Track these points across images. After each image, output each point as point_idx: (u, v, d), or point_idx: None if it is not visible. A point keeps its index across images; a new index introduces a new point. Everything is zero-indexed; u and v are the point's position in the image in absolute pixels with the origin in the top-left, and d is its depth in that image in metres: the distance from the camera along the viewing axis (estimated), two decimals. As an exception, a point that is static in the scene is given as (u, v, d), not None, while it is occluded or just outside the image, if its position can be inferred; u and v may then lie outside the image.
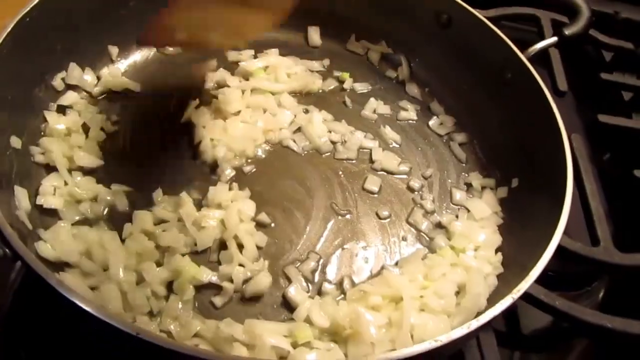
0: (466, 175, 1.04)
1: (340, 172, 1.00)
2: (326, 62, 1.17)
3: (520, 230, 0.91)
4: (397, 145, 1.07)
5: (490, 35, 1.04)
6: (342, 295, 0.84)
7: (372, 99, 1.12)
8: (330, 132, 1.05)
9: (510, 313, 1.02)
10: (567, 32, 1.07)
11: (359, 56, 1.21)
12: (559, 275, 1.03)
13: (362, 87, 1.15)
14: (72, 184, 0.87)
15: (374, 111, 1.11)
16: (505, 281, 0.82)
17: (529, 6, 1.31)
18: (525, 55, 1.01)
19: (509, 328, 1.01)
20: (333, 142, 1.04)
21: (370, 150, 1.04)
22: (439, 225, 0.96)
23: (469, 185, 1.03)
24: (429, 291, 0.79)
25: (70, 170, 0.89)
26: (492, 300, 0.76)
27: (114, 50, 1.06)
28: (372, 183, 0.99)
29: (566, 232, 1.06)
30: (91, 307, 0.58)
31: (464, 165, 1.06)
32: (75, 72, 0.99)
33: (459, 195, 1.00)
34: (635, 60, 1.41)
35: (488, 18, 1.19)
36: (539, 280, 0.89)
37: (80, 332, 0.70)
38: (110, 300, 0.74)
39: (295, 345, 0.74)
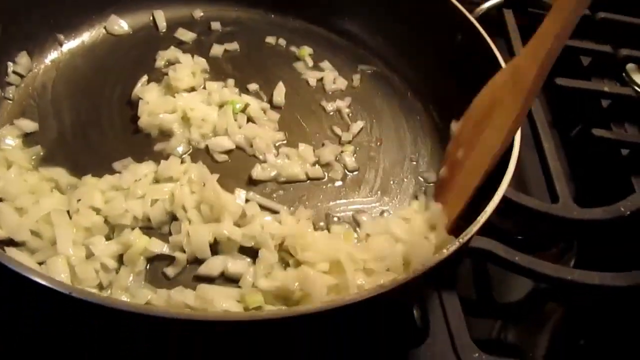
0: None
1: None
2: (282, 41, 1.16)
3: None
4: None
5: (439, -1, 1.03)
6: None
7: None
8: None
9: (482, 281, 1.02)
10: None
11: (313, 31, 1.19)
12: (525, 239, 1.04)
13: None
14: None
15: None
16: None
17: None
18: (474, 15, 1.01)
19: (480, 297, 1.01)
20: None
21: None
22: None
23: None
24: (367, 254, 0.79)
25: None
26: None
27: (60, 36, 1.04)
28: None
29: (527, 192, 1.08)
30: (26, 271, 0.57)
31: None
32: (23, 60, 0.98)
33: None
34: (592, 27, 1.42)
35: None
36: (502, 241, 0.90)
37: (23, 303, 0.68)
38: (58, 273, 0.72)
39: (246, 309, 0.73)
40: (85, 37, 1.07)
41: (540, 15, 1.38)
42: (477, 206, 0.84)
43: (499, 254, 0.89)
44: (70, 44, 1.05)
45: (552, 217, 0.99)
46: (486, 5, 1.05)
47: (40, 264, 0.74)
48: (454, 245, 0.66)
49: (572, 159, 1.18)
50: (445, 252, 0.65)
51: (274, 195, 0.91)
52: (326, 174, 0.95)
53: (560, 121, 1.26)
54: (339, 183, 0.94)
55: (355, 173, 0.96)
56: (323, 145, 0.98)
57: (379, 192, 0.95)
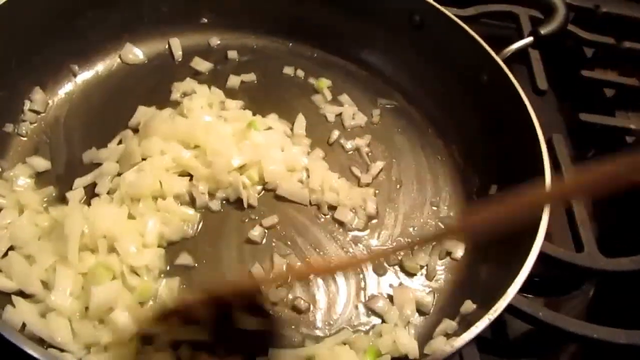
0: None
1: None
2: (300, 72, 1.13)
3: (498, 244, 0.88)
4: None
5: (464, 36, 1.00)
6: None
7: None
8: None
9: (495, 319, 1.00)
10: (542, 31, 1.04)
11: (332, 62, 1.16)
12: (543, 280, 1.01)
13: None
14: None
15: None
16: (485, 296, 0.78)
17: (506, 3, 1.28)
18: (501, 56, 0.98)
19: (495, 334, 0.98)
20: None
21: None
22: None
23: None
24: None
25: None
26: (469, 320, 0.73)
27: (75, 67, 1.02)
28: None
29: (549, 239, 1.04)
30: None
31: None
32: (38, 97, 0.96)
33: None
34: (616, 56, 1.39)
35: (466, 17, 1.17)
36: (522, 288, 0.87)
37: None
38: (58, 329, 0.71)
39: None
40: (100, 67, 1.04)
41: (566, 57, 1.38)
42: (504, 260, 0.82)
43: (522, 308, 0.86)
44: (85, 75, 1.03)
45: (576, 267, 0.96)
46: (514, 46, 1.02)
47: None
48: (484, 322, 0.63)
49: (596, 202, 1.14)
50: (475, 330, 0.62)
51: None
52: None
53: (584, 156, 1.23)
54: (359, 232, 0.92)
55: (375, 221, 0.93)
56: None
57: (399, 239, 0.92)
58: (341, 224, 0.92)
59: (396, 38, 1.10)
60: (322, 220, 0.92)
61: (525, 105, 0.91)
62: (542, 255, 0.94)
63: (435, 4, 1.03)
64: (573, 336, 0.87)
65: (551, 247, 0.96)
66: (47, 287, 0.75)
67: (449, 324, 0.79)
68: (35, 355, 0.57)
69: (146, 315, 0.74)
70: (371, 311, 0.83)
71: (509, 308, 0.86)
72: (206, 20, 1.14)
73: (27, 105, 0.95)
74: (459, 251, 0.91)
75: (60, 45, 0.98)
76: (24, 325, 0.71)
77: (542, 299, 0.99)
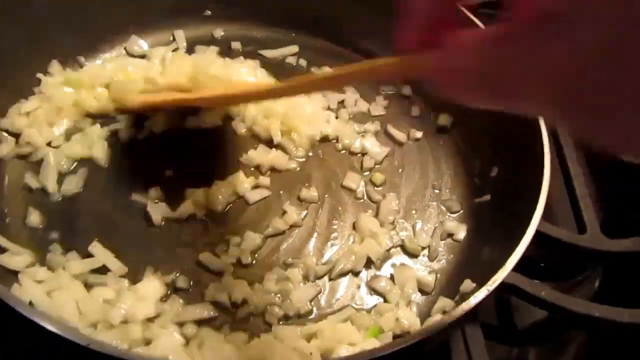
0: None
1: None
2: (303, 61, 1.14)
3: (501, 224, 0.88)
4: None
5: (463, 18, 1.00)
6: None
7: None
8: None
9: (503, 307, 1.00)
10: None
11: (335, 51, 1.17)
12: (549, 266, 1.01)
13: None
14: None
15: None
16: (485, 274, 0.78)
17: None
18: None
19: (502, 322, 0.98)
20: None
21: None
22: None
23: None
24: None
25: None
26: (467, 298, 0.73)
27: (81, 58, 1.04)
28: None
29: (553, 221, 1.05)
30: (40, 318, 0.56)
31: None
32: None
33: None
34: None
35: (471, 5, 1.16)
36: (526, 272, 0.87)
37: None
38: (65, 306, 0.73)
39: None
40: (106, 57, 1.06)
41: None
42: (504, 240, 0.83)
43: (523, 288, 0.87)
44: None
45: (579, 248, 0.96)
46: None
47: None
48: (483, 292, 0.64)
49: (600, 184, 1.14)
50: (474, 301, 0.62)
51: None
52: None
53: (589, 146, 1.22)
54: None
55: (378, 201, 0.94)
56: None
57: (400, 221, 0.93)
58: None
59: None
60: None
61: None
62: (544, 237, 0.94)
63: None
64: (577, 316, 0.87)
65: (553, 228, 0.96)
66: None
67: (446, 302, 0.80)
68: (48, 327, 0.58)
69: None
70: (373, 290, 0.84)
71: (511, 288, 0.87)
72: (210, 13, 1.15)
73: (42, 78, 0.97)
74: (461, 232, 0.92)
75: (67, 36, 1.00)
76: (30, 304, 0.72)
77: (549, 284, 0.99)
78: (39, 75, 0.98)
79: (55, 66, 1.00)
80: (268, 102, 0.99)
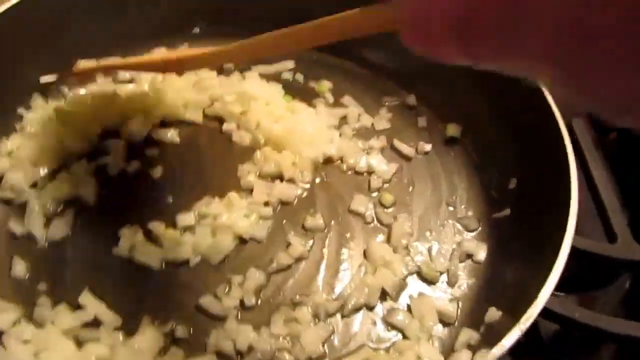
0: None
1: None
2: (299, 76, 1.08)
3: (523, 241, 0.81)
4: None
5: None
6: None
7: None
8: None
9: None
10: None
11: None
12: (574, 276, 0.94)
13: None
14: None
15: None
16: (513, 301, 0.71)
17: None
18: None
19: (527, 335, 0.91)
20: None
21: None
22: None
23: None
24: None
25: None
26: (495, 329, 0.66)
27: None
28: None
29: (578, 231, 0.97)
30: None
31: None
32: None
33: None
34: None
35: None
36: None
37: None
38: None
39: None
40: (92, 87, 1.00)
41: None
42: (531, 259, 0.76)
43: (555, 310, 0.80)
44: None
45: (611, 259, 0.89)
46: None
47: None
48: (515, 333, 0.57)
49: (626, 189, 1.06)
50: (507, 344, 0.56)
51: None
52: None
53: (608, 144, 1.15)
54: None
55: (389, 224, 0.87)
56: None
57: (415, 244, 0.86)
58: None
59: (396, 32, 1.03)
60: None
61: (540, 88, 0.84)
62: (572, 250, 0.87)
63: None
64: (614, 337, 0.80)
65: (581, 239, 0.89)
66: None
67: (471, 335, 0.73)
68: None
69: None
70: (391, 326, 0.77)
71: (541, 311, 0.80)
72: (199, 30, 1.09)
73: (24, 113, 0.93)
74: (482, 253, 0.85)
75: (47, 66, 0.95)
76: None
77: (575, 296, 0.92)
78: (20, 110, 0.93)
79: (37, 99, 0.95)
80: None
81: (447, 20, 0.38)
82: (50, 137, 0.89)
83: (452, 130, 0.99)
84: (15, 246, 0.81)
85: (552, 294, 0.76)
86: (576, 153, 1.00)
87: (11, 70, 0.90)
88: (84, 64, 0.94)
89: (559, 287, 0.84)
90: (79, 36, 0.98)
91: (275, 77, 1.06)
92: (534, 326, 0.87)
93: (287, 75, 1.07)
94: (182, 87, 0.99)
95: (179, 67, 0.89)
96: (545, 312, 0.78)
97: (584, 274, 0.94)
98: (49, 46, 0.95)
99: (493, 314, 0.74)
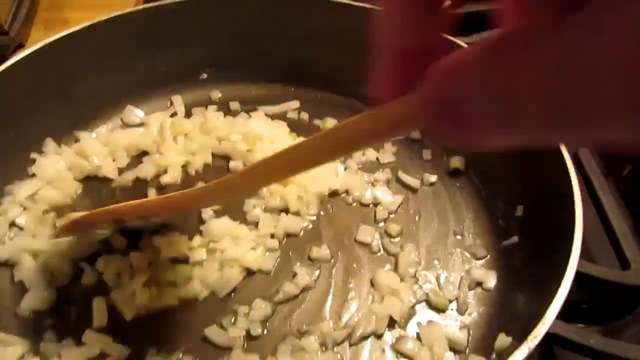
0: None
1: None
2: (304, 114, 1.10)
3: (533, 268, 0.80)
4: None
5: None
6: None
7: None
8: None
9: (546, 358, 0.90)
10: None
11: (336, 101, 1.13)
12: (592, 308, 0.92)
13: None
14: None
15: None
16: (523, 326, 0.70)
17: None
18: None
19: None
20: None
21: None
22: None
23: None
24: None
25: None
26: (505, 355, 0.65)
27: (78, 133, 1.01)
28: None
29: (592, 259, 0.96)
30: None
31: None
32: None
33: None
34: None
35: (470, 44, 1.13)
36: (569, 317, 0.78)
37: None
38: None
39: None
40: (101, 130, 1.03)
41: None
42: (540, 285, 0.74)
43: (569, 337, 0.77)
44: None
45: (625, 286, 0.87)
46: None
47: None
48: (524, 351, 0.55)
49: (633, 211, 1.05)
50: None
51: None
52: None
53: (613, 167, 1.14)
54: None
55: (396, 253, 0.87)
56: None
57: (423, 273, 0.85)
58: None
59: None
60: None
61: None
62: (585, 278, 0.86)
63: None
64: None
65: (594, 267, 0.87)
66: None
67: None
68: None
69: None
70: (400, 354, 0.75)
71: (556, 338, 0.78)
72: (206, 76, 1.13)
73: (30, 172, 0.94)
74: (491, 280, 0.84)
75: (59, 112, 0.97)
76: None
77: (595, 327, 0.89)
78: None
79: (50, 144, 0.97)
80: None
81: (478, 104, 0.31)
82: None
83: (456, 162, 0.99)
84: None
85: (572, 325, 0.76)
86: (585, 182, 1.01)
87: (24, 115, 0.93)
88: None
89: (579, 319, 0.84)
90: (89, 86, 1.01)
91: (280, 117, 1.08)
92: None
93: (292, 115, 1.09)
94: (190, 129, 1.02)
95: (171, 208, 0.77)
96: (562, 340, 0.77)
97: (601, 304, 0.92)
98: (60, 97, 0.98)
99: (503, 340, 0.72)
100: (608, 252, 0.95)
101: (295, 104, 1.10)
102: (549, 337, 0.76)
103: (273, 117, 1.08)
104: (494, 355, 0.72)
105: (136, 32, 1.02)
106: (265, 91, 1.12)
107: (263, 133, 1.01)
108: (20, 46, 1.22)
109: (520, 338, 0.65)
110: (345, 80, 1.10)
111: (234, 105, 1.10)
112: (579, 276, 0.85)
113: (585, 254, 0.96)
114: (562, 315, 0.75)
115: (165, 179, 0.95)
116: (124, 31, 1.01)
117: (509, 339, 0.71)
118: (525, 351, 0.59)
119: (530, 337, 0.61)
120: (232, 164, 0.98)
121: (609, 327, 0.90)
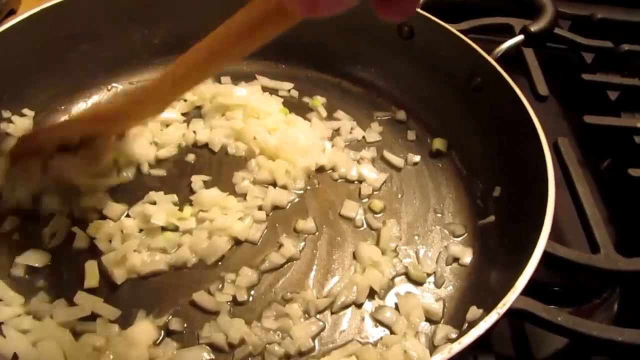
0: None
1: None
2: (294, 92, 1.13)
3: (507, 246, 0.84)
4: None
5: (455, 40, 0.99)
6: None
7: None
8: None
9: (518, 335, 0.95)
10: (532, 29, 1.03)
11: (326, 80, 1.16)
12: (564, 291, 0.97)
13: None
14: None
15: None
16: (493, 300, 0.74)
17: (493, 14, 1.26)
18: (493, 57, 0.96)
19: (518, 352, 0.93)
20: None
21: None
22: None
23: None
24: None
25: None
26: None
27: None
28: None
29: (565, 242, 1.00)
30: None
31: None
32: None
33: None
34: (616, 59, 1.36)
35: (460, 31, 1.15)
36: (541, 297, 0.83)
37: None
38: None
39: None
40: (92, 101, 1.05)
41: (560, 50, 1.38)
42: (513, 262, 0.78)
43: (538, 314, 0.81)
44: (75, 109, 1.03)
45: (593, 269, 0.91)
46: (505, 45, 1.01)
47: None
48: (493, 316, 0.59)
49: (609, 201, 1.10)
50: (484, 325, 0.58)
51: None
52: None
53: (592, 160, 1.19)
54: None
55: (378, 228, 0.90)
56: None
57: (403, 247, 0.88)
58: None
59: (387, 50, 1.09)
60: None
61: (521, 101, 0.89)
62: (556, 260, 0.90)
63: (423, 12, 1.02)
64: (597, 341, 0.82)
65: (565, 249, 0.92)
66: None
67: (449, 330, 0.76)
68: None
69: None
70: (378, 322, 0.79)
71: (525, 315, 0.82)
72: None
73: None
74: (467, 256, 0.88)
75: (52, 80, 0.99)
76: (15, 355, 0.68)
77: (566, 309, 0.94)
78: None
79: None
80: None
81: None
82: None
83: (439, 144, 1.03)
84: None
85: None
86: (562, 170, 1.05)
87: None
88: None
89: (551, 301, 0.88)
90: (87, 55, 1.03)
91: (272, 93, 1.11)
92: (527, 345, 0.90)
93: (282, 93, 1.12)
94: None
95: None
96: (531, 317, 0.81)
97: (571, 286, 0.97)
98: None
99: (474, 312, 0.76)
100: (581, 238, 1.00)
101: (288, 85, 1.13)
102: (521, 314, 0.81)
103: (265, 90, 1.11)
104: (465, 326, 0.76)
105: (130, 4, 1.03)
106: (256, 68, 1.15)
107: (257, 107, 1.03)
108: (12, 13, 1.22)
109: (490, 310, 0.69)
110: (334, 60, 1.13)
111: (225, 80, 1.12)
112: (551, 258, 0.89)
113: (558, 238, 1.01)
114: (537, 297, 0.80)
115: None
116: (117, 2, 1.02)
117: (480, 311, 0.75)
118: (495, 317, 0.63)
119: (499, 305, 0.64)
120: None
121: (579, 309, 0.96)
